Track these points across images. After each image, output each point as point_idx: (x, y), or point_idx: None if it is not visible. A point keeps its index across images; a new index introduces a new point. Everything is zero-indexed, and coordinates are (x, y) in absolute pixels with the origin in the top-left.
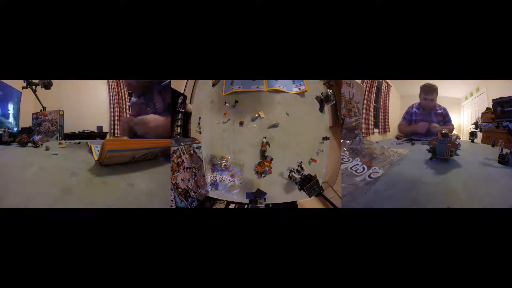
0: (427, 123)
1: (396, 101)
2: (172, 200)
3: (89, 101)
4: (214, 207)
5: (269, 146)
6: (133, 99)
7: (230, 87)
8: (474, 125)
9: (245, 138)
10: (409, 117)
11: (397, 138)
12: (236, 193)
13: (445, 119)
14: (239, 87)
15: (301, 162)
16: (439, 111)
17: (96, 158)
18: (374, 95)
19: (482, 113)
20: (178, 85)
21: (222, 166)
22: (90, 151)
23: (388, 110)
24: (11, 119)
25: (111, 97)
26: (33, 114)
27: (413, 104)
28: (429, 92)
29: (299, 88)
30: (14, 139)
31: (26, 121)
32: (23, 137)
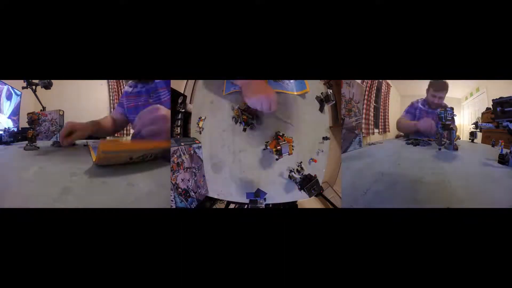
0: (432, 120)
1: (396, 101)
2: (172, 200)
3: (89, 101)
4: (214, 207)
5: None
6: (127, 88)
7: (231, 87)
8: (474, 125)
9: (246, 138)
10: (413, 111)
11: (396, 137)
12: (236, 193)
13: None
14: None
15: (301, 162)
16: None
17: (94, 159)
18: (374, 95)
19: (482, 113)
20: (178, 85)
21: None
22: (89, 152)
23: (388, 110)
24: None
25: (111, 97)
26: (28, 114)
27: (418, 99)
28: (439, 89)
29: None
30: (14, 139)
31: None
32: (29, 132)
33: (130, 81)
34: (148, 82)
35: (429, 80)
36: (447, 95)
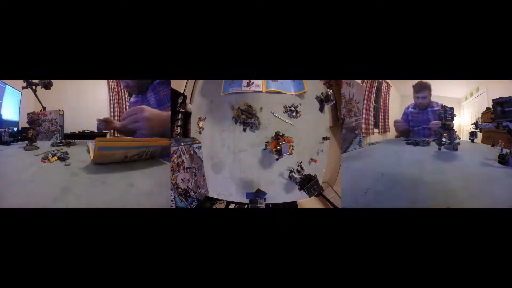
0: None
1: (396, 101)
2: (172, 200)
3: (89, 101)
4: (214, 207)
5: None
6: (132, 99)
7: (229, 88)
8: (474, 125)
9: (246, 138)
10: (405, 117)
11: (396, 137)
12: (236, 193)
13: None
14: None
15: (301, 162)
16: (436, 108)
17: (92, 158)
18: (374, 95)
19: (482, 113)
20: (178, 85)
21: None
22: (88, 151)
23: (388, 110)
24: None
25: (111, 97)
26: (28, 114)
27: (409, 104)
28: (420, 90)
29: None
30: (14, 139)
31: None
32: (29, 132)
33: (133, 95)
34: (143, 93)
35: (412, 85)
36: (447, 94)
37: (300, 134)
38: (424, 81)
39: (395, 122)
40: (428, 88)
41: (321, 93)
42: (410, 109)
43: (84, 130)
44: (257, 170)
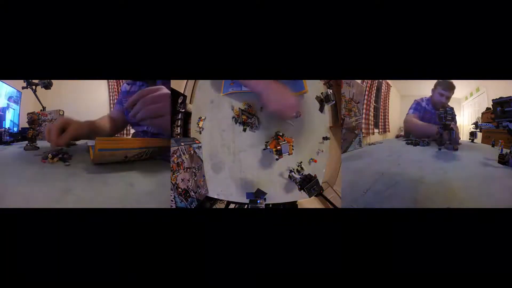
0: (436, 127)
1: (396, 101)
2: (172, 200)
3: (89, 101)
4: (214, 207)
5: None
6: (125, 86)
7: (229, 88)
8: (474, 125)
9: (246, 138)
10: (421, 109)
11: (396, 137)
12: (236, 193)
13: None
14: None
15: (301, 162)
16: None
17: (92, 158)
18: (374, 95)
19: (482, 113)
20: (178, 85)
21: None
22: (88, 151)
23: (388, 110)
24: None
25: (111, 97)
26: (28, 114)
27: (422, 98)
28: (448, 88)
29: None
30: (14, 139)
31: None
32: (29, 132)
33: (126, 82)
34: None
35: (432, 80)
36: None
37: (300, 134)
38: (452, 81)
39: (411, 120)
40: (454, 89)
41: (321, 93)
42: (424, 104)
43: None
44: (257, 170)
